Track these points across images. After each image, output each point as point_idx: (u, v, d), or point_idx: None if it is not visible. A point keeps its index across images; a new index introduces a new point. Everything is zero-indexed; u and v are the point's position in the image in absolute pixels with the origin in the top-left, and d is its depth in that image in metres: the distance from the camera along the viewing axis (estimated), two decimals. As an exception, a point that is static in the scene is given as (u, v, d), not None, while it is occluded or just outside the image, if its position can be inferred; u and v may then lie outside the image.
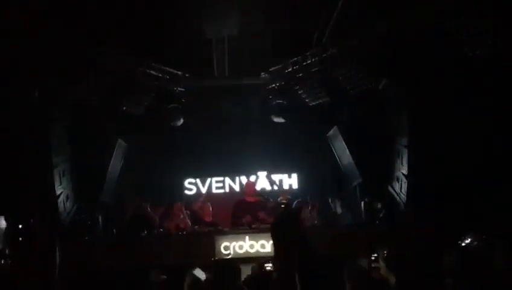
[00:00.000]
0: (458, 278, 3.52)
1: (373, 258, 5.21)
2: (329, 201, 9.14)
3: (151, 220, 8.47)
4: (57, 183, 8.23)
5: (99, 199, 8.91)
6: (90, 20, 7.35)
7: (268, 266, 5.14)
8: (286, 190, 10.33)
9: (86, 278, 6.57)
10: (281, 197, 8.93)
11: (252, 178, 10.49)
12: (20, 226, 1.40)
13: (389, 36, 7.73)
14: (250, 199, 8.83)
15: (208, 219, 8.79)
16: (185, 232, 8.22)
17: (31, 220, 1.41)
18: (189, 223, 8.49)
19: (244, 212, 8.48)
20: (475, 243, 5.89)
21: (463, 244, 5.96)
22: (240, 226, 8.23)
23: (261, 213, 8.40)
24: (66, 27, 7.24)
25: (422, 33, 7.35)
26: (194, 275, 4.60)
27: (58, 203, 8.21)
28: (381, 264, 5.24)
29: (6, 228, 6.13)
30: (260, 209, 8.60)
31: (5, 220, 6.41)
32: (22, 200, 6.98)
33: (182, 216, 8.49)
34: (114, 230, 8.53)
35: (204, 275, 4.77)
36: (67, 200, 8.62)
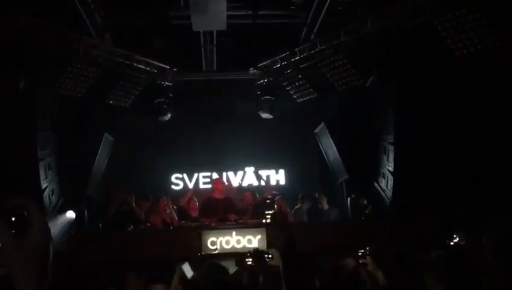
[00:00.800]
0: (446, 279, 3.54)
1: (360, 254, 5.23)
2: (316, 197, 9.17)
3: (136, 215, 8.43)
4: (42, 177, 8.14)
5: (85, 192, 8.85)
6: (78, 12, 7.28)
7: (249, 261, 5.11)
8: (273, 185, 10.34)
9: (71, 272, 6.53)
10: (266, 193, 8.98)
11: (239, 174, 10.50)
12: (13, 219, 1.35)
13: (377, 34, 7.78)
14: (219, 196, 8.79)
15: (194, 214, 8.78)
16: (171, 227, 8.20)
17: (24, 213, 1.36)
18: (176, 218, 8.47)
19: (212, 210, 8.46)
20: (463, 242, 5.92)
21: (451, 243, 5.99)
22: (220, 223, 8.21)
23: (231, 215, 8.38)
24: (55, 18, 7.16)
25: (410, 32, 7.40)
26: (182, 270, 4.58)
27: (44, 198, 8.13)
28: (368, 260, 5.28)
29: None
30: (229, 207, 8.58)
31: None
32: (7, 194, 6.88)
33: (168, 211, 8.46)
34: (100, 224, 8.48)
35: (191, 273, 4.75)
36: (52, 194, 8.54)
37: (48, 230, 1.24)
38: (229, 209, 8.51)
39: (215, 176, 10.50)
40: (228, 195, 8.99)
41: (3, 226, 1.19)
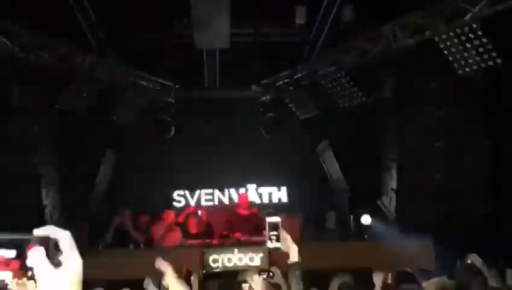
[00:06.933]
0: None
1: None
2: (326, 215, 9.12)
3: (134, 237, 8.41)
4: (44, 194, 8.12)
5: (87, 209, 8.80)
6: (81, 28, 7.33)
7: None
8: (275, 203, 10.28)
9: None
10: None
11: (241, 191, 10.46)
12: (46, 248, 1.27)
13: (379, 52, 7.80)
14: (244, 212, 8.74)
15: (193, 230, 8.70)
16: (175, 244, 8.17)
17: (56, 242, 1.30)
18: (179, 234, 8.44)
19: (237, 226, 8.40)
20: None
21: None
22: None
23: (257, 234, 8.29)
24: (56, 34, 7.20)
25: (412, 50, 7.41)
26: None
27: (45, 214, 8.10)
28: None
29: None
30: (253, 223, 8.51)
31: None
32: (9, 211, 6.88)
33: (170, 226, 8.47)
34: (100, 242, 8.42)
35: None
36: (54, 211, 8.50)
37: (78, 255, 1.23)
38: (258, 225, 8.44)
39: (217, 193, 10.46)
40: (253, 210, 8.92)
41: (39, 256, 1.17)
